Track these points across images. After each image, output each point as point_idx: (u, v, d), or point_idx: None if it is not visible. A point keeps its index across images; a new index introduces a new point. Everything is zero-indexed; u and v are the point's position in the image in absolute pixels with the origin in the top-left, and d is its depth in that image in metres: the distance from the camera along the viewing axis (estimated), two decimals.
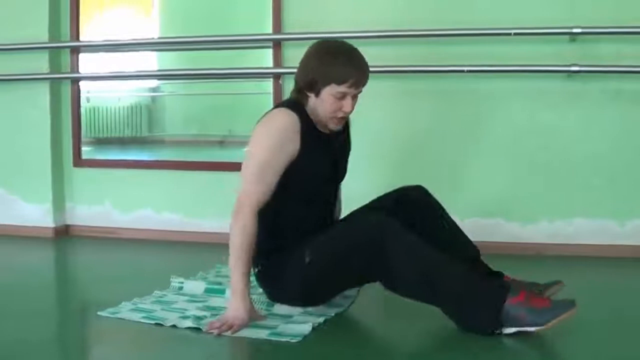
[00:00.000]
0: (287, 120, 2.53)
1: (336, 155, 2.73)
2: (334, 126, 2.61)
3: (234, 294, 2.48)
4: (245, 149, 2.58)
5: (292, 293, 2.63)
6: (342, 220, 2.82)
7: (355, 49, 2.58)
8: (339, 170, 2.78)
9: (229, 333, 2.39)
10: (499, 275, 2.75)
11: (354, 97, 2.55)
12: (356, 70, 2.51)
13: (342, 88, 2.49)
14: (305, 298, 2.65)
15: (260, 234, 2.52)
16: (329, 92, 2.51)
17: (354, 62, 2.53)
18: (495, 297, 2.38)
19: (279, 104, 2.70)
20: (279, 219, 2.61)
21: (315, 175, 2.61)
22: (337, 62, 2.51)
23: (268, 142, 2.51)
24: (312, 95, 2.57)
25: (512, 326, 2.36)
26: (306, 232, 2.59)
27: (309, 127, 2.57)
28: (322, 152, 2.62)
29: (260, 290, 2.74)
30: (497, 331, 2.38)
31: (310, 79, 2.54)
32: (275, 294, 2.69)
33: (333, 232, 2.59)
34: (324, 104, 2.54)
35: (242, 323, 2.43)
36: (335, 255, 2.51)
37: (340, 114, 2.55)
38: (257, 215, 2.48)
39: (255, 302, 2.63)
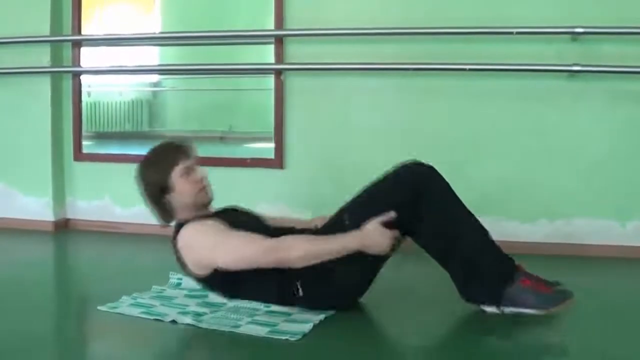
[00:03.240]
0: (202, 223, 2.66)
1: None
2: (206, 198, 2.75)
3: (354, 238, 2.50)
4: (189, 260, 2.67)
5: (340, 281, 2.59)
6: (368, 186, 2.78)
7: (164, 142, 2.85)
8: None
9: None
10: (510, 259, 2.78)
11: (197, 166, 2.75)
12: (174, 147, 2.76)
13: (182, 164, 2.69)
14: (354, 281, 2.63)
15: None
16: (178, 176, 2.69)
17: (168, 145, 2.81)
18: (507, 273, 2.50)
19: (175, 231, 2.77)
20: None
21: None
22: (159, 156, 2.76)
23: (205, 232, 2.63)
24: (172, 195, 2.71)
25: (513, 306, 2.48)
26: None
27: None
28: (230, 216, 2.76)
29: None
30: (498, 309, 2.50)
31: (158, 186, 2.71)
32: (325, 296, 2.61)
33: (364, 190, 2.67)
34: (184, 189, 2.70)
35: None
36: (373, 203, 2.59)
37: (201, 184, 2.73)
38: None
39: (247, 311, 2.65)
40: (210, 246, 2.60)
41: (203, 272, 2.65)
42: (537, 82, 3.75)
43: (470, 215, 2.63)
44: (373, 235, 2.50)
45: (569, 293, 2.53)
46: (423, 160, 2.72)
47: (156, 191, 2.73)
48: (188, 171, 2.71)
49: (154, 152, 2.80)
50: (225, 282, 2.64)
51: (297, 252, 2.51)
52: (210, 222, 2.66)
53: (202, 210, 2.76)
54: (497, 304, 2.52)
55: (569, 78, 3.69)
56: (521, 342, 2.40)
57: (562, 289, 2.55)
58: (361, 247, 2.49)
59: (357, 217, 2.57)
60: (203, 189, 2.74)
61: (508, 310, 2.51)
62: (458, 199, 2.63)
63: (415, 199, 2.53)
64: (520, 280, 2.50)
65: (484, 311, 2.57)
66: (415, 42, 3.84)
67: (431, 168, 2.65)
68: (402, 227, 2.55)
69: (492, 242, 2.62)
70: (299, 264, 2.51)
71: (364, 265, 2.61)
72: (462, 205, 2.62)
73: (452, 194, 2.63)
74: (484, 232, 2.62)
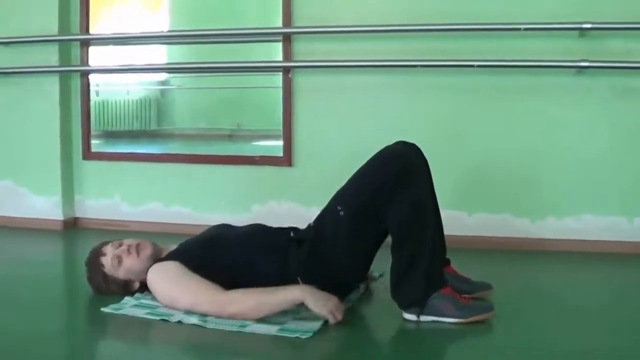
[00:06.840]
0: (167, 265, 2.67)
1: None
2: (148, 262, 2.74)
3: (301, 293, 2.46)
4: (163, 300, 2.64)
5: (340, 271, 2.59)
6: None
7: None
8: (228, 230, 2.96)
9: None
10: (446, 261, 2.80)
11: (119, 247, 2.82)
12: (93, 255, 2.85)
13: (108, 255, 2.79)
14: (353, 262, 2.61)
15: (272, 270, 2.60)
16: (116, 266, 2.76)
17: (89, 263, 2.85)
18: (437, 282, 2.50)
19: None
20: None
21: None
22: (97, 263, 2.81)
23: (168, 276, 2.63)
24: (133, 282, 2.79)
25: (433, 315, 2.48)
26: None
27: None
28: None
29: None
30: (417, 317, 2.49)
31: (117, 282, 2.79)
32: (327, 287, 2.55)
33: (352, 178, 2.67)
34: (129, 262, 2.75)
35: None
36: (362, 187, 2.59)
37: (132, 248, 2.79)
38: (223, 292, 2.53)
39: None
40: (171, 296, 2.61)
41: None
42: (545, 78, 3.74)
43: (435, 214, 2.66)
44: (319, 296, 2.45)
45: (488, 307, 2.55)
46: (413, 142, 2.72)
47: (118, 284, 2.79)
48: (115, 257, 2.77)
49: (89, 266, 2.84)
50: (225, 284, 2.62)
51: (245, 304, 2.47)
52: (171, 267, 2.66)
53: (160, 254, 2.79)
54: (419, 312, 2.49)
55: (577, 74, 3.68)
56: (524, 339, 2.40)
57: (482, 302, 2.61)
58: (304, 301, 2.44)
59: (350, 206, 2.57)
60: (135, 254, 2.77)
61: (426, 319, 2.48)
62: (432, 193, 2.66)
63: (395, 184, 2.48)
64: (441, 288, 2.49)
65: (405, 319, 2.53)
66: (423, 39, 3.84)
67: (415, 149, 2.67)
68: (375, 210, 2.52)
69: (441, 248, 2.69)
70: (251, 315, 2.47)
71: (361, 254, 2.61)
72: (432, 202, 2.64)
73: (429, 185, 2.65)
74: (439, 234, 2.66)
